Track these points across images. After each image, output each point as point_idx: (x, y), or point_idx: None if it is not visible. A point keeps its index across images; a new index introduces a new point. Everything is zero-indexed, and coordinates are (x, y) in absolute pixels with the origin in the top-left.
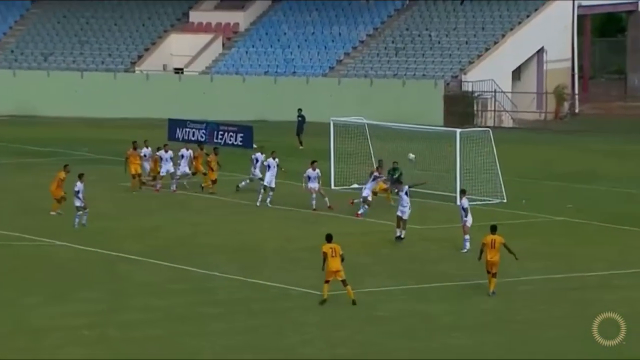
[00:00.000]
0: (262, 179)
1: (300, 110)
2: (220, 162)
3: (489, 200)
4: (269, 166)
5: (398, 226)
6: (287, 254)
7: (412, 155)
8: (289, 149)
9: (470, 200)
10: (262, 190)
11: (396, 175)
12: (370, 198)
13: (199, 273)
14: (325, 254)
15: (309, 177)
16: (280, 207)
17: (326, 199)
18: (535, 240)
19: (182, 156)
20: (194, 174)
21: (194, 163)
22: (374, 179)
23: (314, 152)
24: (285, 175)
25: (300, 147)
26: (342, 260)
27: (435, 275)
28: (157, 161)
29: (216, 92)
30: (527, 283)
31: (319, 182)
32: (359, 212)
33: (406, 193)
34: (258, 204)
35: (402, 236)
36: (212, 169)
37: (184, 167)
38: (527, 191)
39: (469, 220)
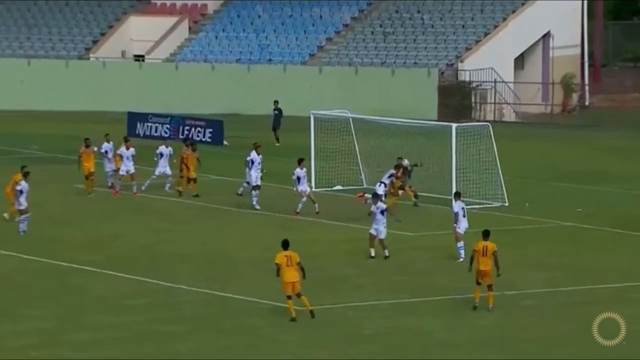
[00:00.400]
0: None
1: (276, 102)
2: (200, 159)
3: (489, 204)
4: (252, 162)
5: (371, 245)
6: (262, 264)
7: (406, 162)
8: (264, 146)
9: (467, 203)
10: (255, 192)
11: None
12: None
13: (162, 286)
14: (278, 265)
15: (299, 179)
16: (254, 211)
17: (316, 204)
18: (541, 248)
19: (161, 155)
20: (181, 178)
21: (178, 164)
22: (390, 176)
23: (292, 149)
24: (265, 177)
25: (277, 144)
26: (303, 271)
27: (428, 287)
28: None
29: (182, 82)
30: (531, 296)
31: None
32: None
33: (382, 212)
34: (257, 207)
35: (387, 254)
36: (188, 168)
37: (164, 168)
38: (531, 193)
39: (462, 225)
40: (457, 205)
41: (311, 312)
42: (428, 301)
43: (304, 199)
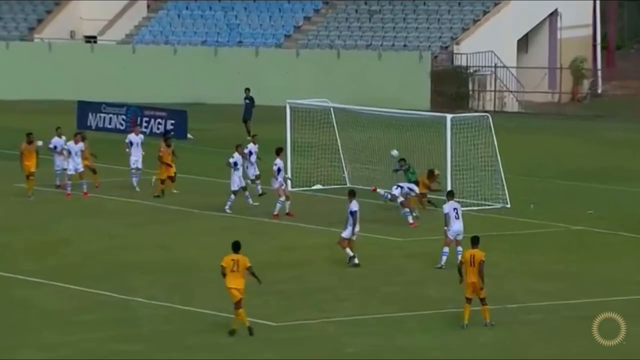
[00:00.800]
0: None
1: (247, 90)
2: (177, 153)
3: (488, 205)
4: (250, 152)
5: (349, 247)
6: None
7: (395, 152)
8: (233, 140)
9: (464, 205)
10: (259, 189)
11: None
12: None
13: (116, 299)
14: (222, 269)
15: (279, 170)
16: (221, 213)
17: (289, 202)
18: (546, 255)
19: (131, 143)
20: (162, 181)
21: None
22: (410, 189)
23: (266, 143)
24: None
25: (248, 138)
26: (255, 276)
27: (420, 300)
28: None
29: (139, 66)
30: (535, 310)
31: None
32: (410, 222)
33: (351, 213)
34: (255, 201)
35: (357, 261)
36: (167, 164)
37: (136, 157)
38: (536, 193)
39: (454, 229)
40: (449, 206)
41: (249, 328)
42: (420, 315)
43: (282, 197)
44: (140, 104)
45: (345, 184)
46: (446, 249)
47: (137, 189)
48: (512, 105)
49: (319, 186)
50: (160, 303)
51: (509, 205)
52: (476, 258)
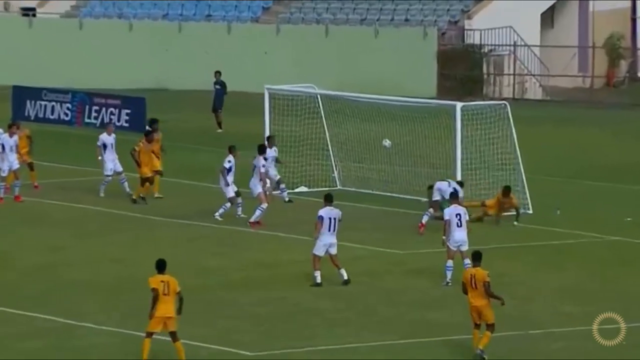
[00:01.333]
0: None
1: (218, 74)
2: (165, 147)
3: (507, 211)
4: (230, 170)
5: (317, 268)
6: (194, 293)
7: (387, 142)
8: (201, 133)
9: (477, 211)
10: (285, 191)
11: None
12: None
13: (59, 324)
14: (156, 291)
15: (230, 169)
16: (187, 221)
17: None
18: (576, 271)
19: (104, 146)
20: (146, 180)
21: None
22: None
23: (239, 137)
24: (203, 171)
25: (219, 130)
26: (181, 303)
27: (423, 325)
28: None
29: (88, 45)
30: (563, 337)
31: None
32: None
33: (319, 217)
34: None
35: (346, 277)
36: (137, 163)
37: (112, 162)
38: (563, 196)
39: (455, 238)
40: (450, 211)
41: None
42: (424, 343)
43: (264, 204)
44: (89, 90)
45: (335, 186)
46: (450, 263)
47: (130, 191)
48: (534, 92)
49: (303, 188)
50: (112, 329)
51: (530, 211)
52: (477, 278)
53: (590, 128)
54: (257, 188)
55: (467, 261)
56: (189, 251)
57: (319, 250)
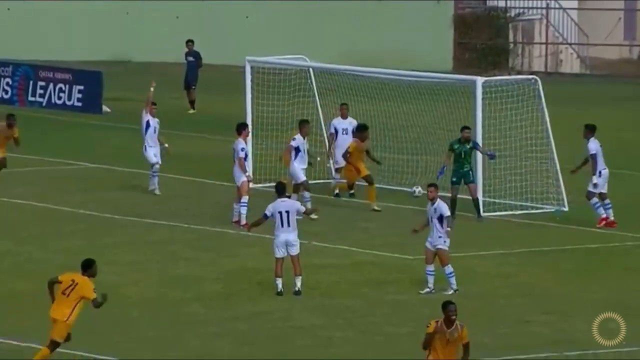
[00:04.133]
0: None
1: (190, 43)
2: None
3: (538, 208)
4: (298, 149)
5: (278, 274)
6: (161, 307)
7: (418, 189)
8: (171, 114)
9: (502, 207)
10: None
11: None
12: None
13: (11, 346)
14: (55, 283)
15: (298, 151)
16: (153, 220)
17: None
18: (621, 280)
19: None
20: None
21: None
22: None
23: (216, 120)
24: (171, 160)
25: (191, 111)
26: (97, 306)
27: None
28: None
29: (32, 8)
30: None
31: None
32: None
33: (264, 216)
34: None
35: (298, 289)
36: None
37: (154, 150)
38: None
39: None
40: (444, 206)
41: None
42: None
43: (244, 198)
44: (34, 62)
45: (332, 177)
46: (430, 267)
47: (158, 191)
48: (571, 64)
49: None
50: (62, 350)
51: (566, 208)
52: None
53: (637, 108)
54: (241, 177)
55: (449, 269)
56: (159, 256)
57: (277, 251)
